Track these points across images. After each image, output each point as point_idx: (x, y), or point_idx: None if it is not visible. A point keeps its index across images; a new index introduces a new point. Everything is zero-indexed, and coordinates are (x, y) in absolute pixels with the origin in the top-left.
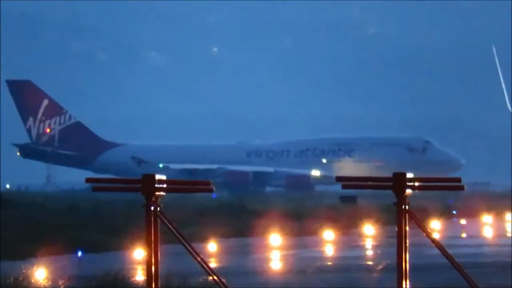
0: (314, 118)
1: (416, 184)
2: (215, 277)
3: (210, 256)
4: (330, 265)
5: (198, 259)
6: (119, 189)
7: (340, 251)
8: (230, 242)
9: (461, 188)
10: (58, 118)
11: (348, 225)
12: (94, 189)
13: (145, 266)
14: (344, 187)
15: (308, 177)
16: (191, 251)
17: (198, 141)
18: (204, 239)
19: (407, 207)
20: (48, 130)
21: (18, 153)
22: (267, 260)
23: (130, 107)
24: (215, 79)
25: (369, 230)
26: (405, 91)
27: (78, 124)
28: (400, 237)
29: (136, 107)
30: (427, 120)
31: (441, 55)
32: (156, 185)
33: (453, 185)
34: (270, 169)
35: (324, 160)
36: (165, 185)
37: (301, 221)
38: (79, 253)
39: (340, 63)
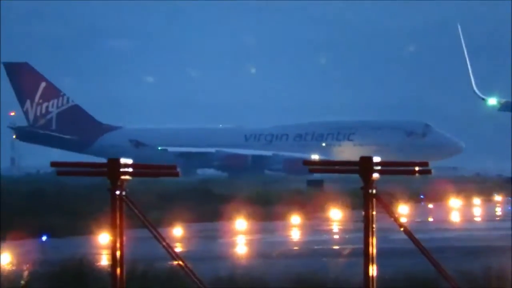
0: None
1: (383, 168)
2: (180, 262)
3: (175, 241)
4: (297, 249)
5: (164, 244)
6: (84, 173)
7: (307, 235)
8: (196, 227)
9: (429, 172)
10: (55, 100)
11: (315, 209)
12: (59, 173)
13: (110, 251)
14: (311, 171)
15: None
16: (157, 236)
17: (196, 124)
18: (170, 224)
19: (374, 191)
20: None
21: (14, 136)
22: (233, 245)
23: (126, 88)
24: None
25: (336, 215)
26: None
27: (76, 107)
28: (367, 221)
29: (132, 89)
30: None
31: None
32: (121, 169)
33: (420, 169)
34: (269, 153)
35: (323, 144)
36: (130, 169)
37: (267, 206)
38: (44, 238)
39: (297, 46)
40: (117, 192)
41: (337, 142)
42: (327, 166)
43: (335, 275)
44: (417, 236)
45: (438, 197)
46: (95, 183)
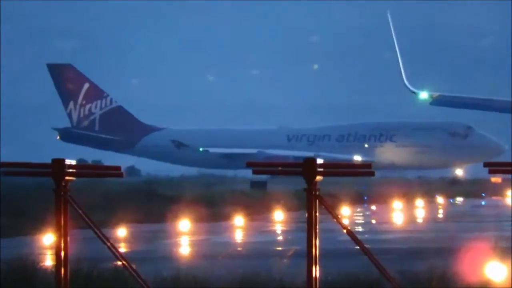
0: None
1: (326, 170)
2: (124, 262)
3: (120, 241)
4: (240, 250)
5: (108, 244)
6: (29, 173)
7: (250, 236)
8: (140, 228)
9: (371, 174)
10: (99, 102)
11: (258, 210)
12: (6, 174)
13: (54, 251)
14: (254, 172)
15: (349, 162)
16: (101, 236)
17: (238, 125)
18: (114, 225)
19: (317, 192)
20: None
21: (58, 137)
22: (177, 245)
23: (172, 92)
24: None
25: (280, 216)
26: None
27: (119, 108)
28: (310, 223)
29: (178, 92)
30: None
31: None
32: (66, 170)
33: (363, 171)
34: (310, 154)
35: (366, 145)
36: (75, 170)
37: (212, 206)
38: None
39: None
40: (62, 193)
41: (379, 143)
42: (270, 167)
43: (279, 276)
44: (360, 237)
45: (381, 199)
46: (44, 183)
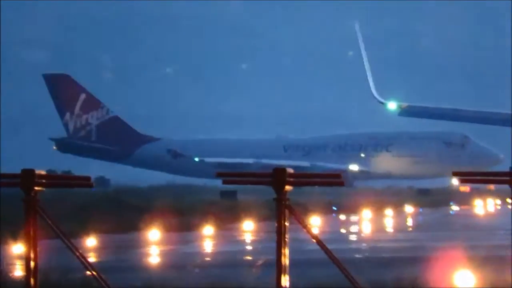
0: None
1: (295, 180)
2: (94, 273)
3: (89, 251)
4: (210, 260)
5: (77, 254)
6: None
7: (220, 246)
8: (110, 238)
9: (341, 184)
10: (95, 112)
11: (228, 220)
12: None
13: (24, 261)
14: (224, 182)
15: (345, 172)
16: (70, 246)
17: (235, 135)
18: (83, 234)
19: (287, 202)
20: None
21: (55, 147)
22: (146, 255)
23: (167, 103)
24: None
25: (249, 226)
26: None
27: (116, 119)
28: (280, 232)
29: (174, 103)
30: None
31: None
32: (35, 180)
33: (333, 181)
34: (306, 164)
35: (362, 155)
36: (44, 180)
37: (181, 216)
38: None
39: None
40: (31, 203)
41: (375, 153)
42: (240, 177)
43: (248, 286)
44: (329, 246)
45: (351, 209)
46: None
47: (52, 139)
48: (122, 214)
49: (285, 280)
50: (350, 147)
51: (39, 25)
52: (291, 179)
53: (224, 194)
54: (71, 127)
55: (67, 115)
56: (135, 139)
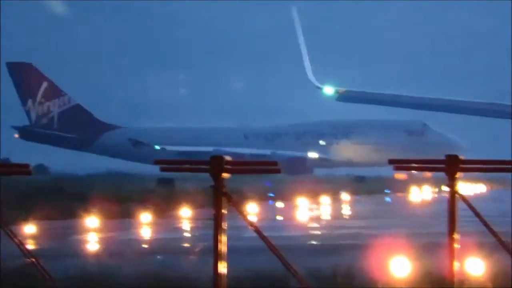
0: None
1: (233, 167)
2: (32, 259)
3: (27, 238)
4: (147, 247)
5: (16, 241)
6: None
7: (157, 233)
8: (48, 225)
9: (277, 171)
10: (57, 100)
11: (165, 208)
12: None
13: None
14: (161, 170)
15: (305, 160)
16: (8, 233)
17: (197, 123)
18: (22, 222)
19: (224, 189)
20: None
21: (17, 135)
22: (85, 242)
23: (132, 90)
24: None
25: (187, 213)
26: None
27: (78, 107)
28: (217, 219)
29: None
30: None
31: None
32: None
33: (269, 168)
34: (267, 152)
35: (322, 143)
36: None
37: (119, 204)
38: None
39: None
40: None
41: (335, 141)
42: (178, 165)
43: (186, 272)
44: (266, 234)
45: (288, 196)
46: None
47: (14, 127)
48: (61, 201)
49: (222, 267)
50: (310, 135)
51: None
52: (228, 167)
53: (161, 181)
54: (33, 115)
55: (29, 102)
56: (96, 127)
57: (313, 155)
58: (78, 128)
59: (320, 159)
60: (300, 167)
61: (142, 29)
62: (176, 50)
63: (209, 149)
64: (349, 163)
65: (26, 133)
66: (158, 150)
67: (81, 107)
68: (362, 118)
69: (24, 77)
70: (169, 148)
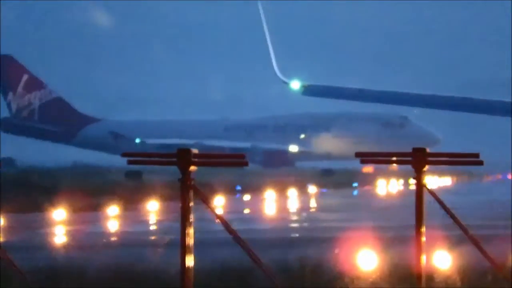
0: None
1: (200, 160)
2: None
3: None
4: (115, 240)
5: None
6: None
7: (125, 226)
8: (15, 217)
9: (245, 164)
10: (38, 92)
11: (133, 200)
12: None
13: None
14: (129, 162)
15: (285, 152)
16: None
17: (178, 116)
18: None
19: (191, 182)
20: None
21: None
22: (52, 235)
23: (115, 82)
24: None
25: (154, 206)
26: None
27: (59, 99)
28: (184, 212)
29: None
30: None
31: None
32: None
33: (236, 161)
34: (247, 145)
35: (302, 135)
36: None
37: (87, 196)
38: None
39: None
40: None
41: (315, 134)
42: (146, 157)
43: (153, 265)
44: (233, 226)
45: (255, 189)
46: None
47: None
48: (28, 194)
49: (189, 259)
50: (290, 128)
51: None
52: (196, 159)
53: (129, 174)
54: (14, 107)
55: (10, 95)
56: (77, 120)
57: (293, 148)
58: (59, 120)
59: (300, 152)
60: (280, 160)
61: (122, 21)
62: (157, 43)
63: (190, 142)
64: (328, 156)
65: (6, 125)
66: (138, 143)
67: (62, 99)
68: (343, 111)
69: (4, 69)
70: (149, 141)
